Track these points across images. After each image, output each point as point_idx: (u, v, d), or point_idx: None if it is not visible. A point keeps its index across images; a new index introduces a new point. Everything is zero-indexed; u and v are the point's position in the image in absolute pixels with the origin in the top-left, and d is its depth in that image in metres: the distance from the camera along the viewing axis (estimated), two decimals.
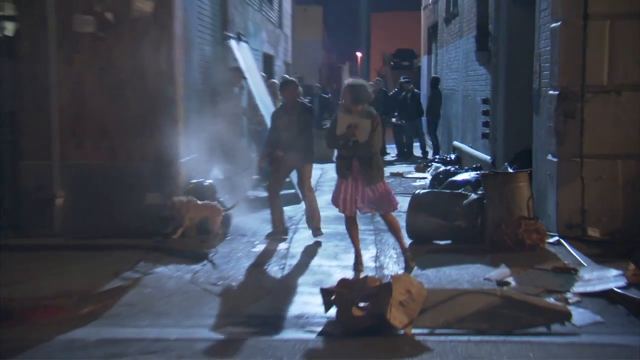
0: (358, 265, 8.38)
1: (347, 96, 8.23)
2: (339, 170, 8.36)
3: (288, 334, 6.49)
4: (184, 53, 10.16)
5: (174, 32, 9.65)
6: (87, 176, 9.59)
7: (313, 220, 9.82)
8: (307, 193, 9.83)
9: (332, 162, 17.74)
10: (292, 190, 11.61)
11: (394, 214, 8.46)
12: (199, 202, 9.47)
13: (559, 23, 9.30)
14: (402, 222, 9.71)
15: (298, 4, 25.44)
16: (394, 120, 20.87)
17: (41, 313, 6.93)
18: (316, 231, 9.83)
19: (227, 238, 9.74)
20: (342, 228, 9.07)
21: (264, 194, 10.61)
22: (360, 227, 8.86)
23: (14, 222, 9.67)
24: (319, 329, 6.50)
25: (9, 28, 9.80)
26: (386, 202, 8.30)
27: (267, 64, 19.43)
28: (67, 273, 7.95)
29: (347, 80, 8.69)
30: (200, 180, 10.00)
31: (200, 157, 10.41)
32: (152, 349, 6.08)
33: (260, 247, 9.35)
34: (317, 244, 9.48)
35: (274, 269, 8.46)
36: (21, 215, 9.66)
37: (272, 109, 12.09)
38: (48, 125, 9.54)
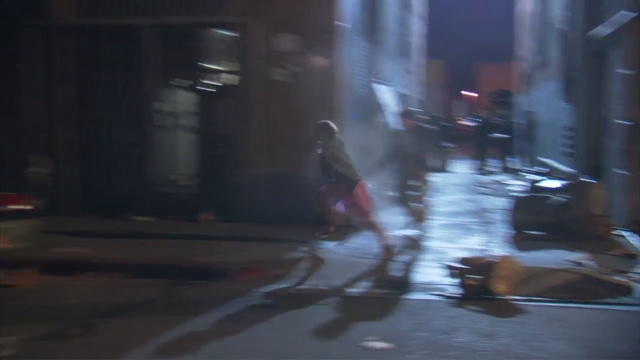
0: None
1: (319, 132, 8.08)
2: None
3: (417, 295, 6.50)
4: (345, 93, 10.30)
5: (339, 78, 9.82)
6: (277, 181, 9.85)
7: (418, 218, 9.13)
8: (420, 195, 9.26)
9: (445, 171, 17.68)
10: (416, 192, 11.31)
11: None
12: None
13: (628, 70, 8.88)
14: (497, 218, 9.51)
15: (427, 58, 25.37)
16: (494, 135, 20.30)
17: (245, 273, 7.18)
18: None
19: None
20: (457, 220, 8.96)
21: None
22: (471, 219, 8.72)
23: (227, 213, 9.96)
24: (440, 292, 6.47)
25: (227, 78, 10.28)
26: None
27: (404, 102, 19.34)
28: (260, 248, 8.22)
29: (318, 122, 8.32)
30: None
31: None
32: (320, 301, 6.23)
33: (396, 232, 9.35)
34: (438, 231, 9.37)
35: (406, 248, 8.45)
36: (233, 208, 9.98)
37: None
38: (251, 144, 9.93)
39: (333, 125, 8.19)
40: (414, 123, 9.56)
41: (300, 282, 6.91)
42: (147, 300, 6.32)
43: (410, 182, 9.63)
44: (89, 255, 7.65)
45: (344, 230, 9.21)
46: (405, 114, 9.73)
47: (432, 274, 7.16)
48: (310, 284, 6.83)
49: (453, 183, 15.77)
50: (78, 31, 10.43)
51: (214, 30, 10.25)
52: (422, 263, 7.71)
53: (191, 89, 10.40)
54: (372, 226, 8.15)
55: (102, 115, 10.50)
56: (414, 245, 8.62)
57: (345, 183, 7.99)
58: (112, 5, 10.26)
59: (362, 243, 8.64)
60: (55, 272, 7.13)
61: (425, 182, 9.60)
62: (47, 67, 10.40)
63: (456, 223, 9.57)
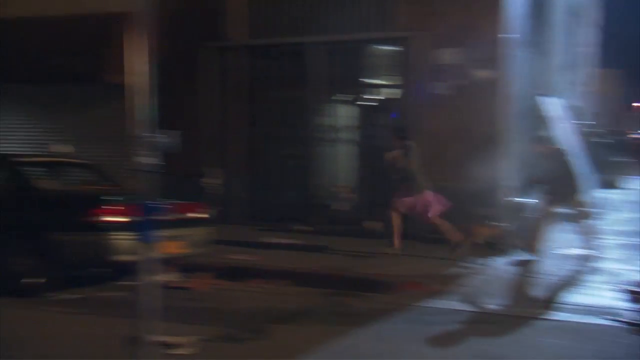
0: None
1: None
2: None
3: (589, 319, 6.08)
4: (509, 106, 9.93)
5: (503, 91, 9.55)
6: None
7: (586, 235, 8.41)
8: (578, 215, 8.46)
9: (617, 188, 16.45)
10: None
11: None
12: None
13: None
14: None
15: (601, 68, 23.91)
16: None
17: (405, 287, 7.18)
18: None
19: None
20: (632, 240, 8.29)
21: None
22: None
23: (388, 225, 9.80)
24: (616, 317, 6.01)
25: (389, 92, 10.39)
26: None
27: (574, 114, 18.29)
28: (421, 262, 8.22)
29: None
30: (517, 199, 9.66)
31: (517, 182, 10.06)
32: (481, 320, 6.09)
33: (559, 251, 8.76)
34: (610, 252, 8.68)
35: (573, 268, 7.96)
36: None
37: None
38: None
39: (405, 131, 8.77)
40: (547, 148, 8.88)
41: (462, 299, 6.78)
42: (312, 309, 6.54)
43: (558, 204, 8.87)
44: (257, 262, 8.08)
45: (504, 247, 8.92)
46: (537, 140, 9.11)
47: (604, 296, 6.70)
48: (470, 302, 6.68)
49: (627, 200, 14.65)
50: (250, 50, 11.12)
51: (377, 45, 10.42)
52: (592, 285, 7.24)
53: (353, 103, 10.66)
54: (436, 226, 8.57)
55: (270, 130, 11.08)
56: (584, 266, 8.10)
57: (415, 185, 8.54)
58: (280, 26, 10.82)
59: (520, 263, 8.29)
60: (227, 277, 7.62)
61: (579, 205, 8.76)
62: (222, 85, 11.18)
63: (631, 244, 8.85)
